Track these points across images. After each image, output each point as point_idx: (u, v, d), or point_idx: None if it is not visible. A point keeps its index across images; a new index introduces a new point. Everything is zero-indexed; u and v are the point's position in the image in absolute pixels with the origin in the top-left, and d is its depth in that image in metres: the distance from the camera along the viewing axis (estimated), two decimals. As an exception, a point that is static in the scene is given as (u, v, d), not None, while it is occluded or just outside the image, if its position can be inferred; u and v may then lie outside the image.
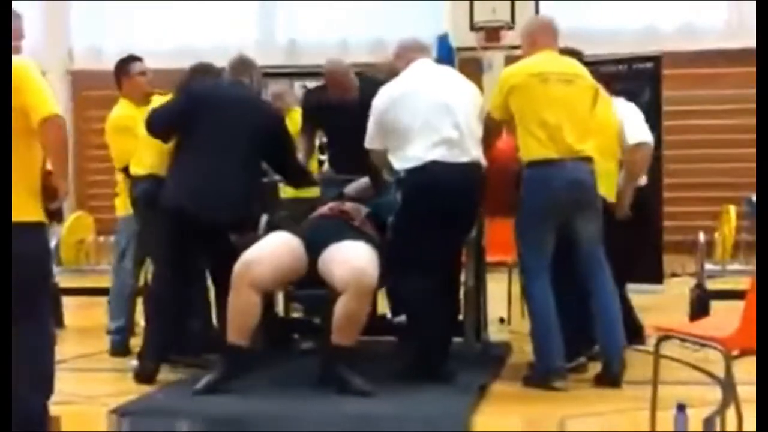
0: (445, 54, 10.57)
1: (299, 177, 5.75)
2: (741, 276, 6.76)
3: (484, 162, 5.11)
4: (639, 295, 6.35)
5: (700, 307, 6.43)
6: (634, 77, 7.85)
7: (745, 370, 3.54)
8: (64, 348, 6.37)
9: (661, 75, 8.97)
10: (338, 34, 12.22)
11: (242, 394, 4.72)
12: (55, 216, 3.91)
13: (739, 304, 3.62)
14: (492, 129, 5.26)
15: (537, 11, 10.95)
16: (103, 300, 6.37)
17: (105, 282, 6.34)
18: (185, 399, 4.71)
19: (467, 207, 5.12)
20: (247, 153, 5.27)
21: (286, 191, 6.32)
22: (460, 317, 5.53)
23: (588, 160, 5.09)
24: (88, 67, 11.99)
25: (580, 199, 5.05)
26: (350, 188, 5.51)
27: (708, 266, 6.96)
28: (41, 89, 3.72)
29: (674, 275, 8.60)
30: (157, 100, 5.84)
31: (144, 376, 5.20)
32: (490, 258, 6.01)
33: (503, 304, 6.89)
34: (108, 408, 4.58)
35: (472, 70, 10.07)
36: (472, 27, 11.27)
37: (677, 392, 4.12)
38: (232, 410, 4.55)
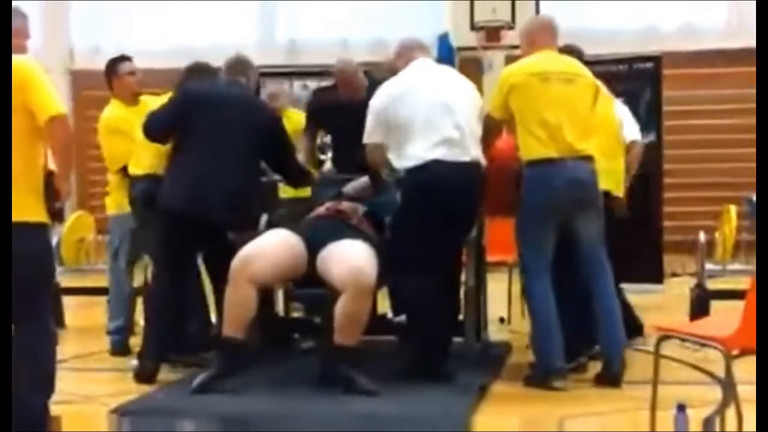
0: (446, 54, 10.57)
1: (298, 176, 5.75)
2: (741, 276, 6.75)
3: (483, 161, 5.11)
4: (639, 295, 6.36)
5: (700, 306, 6.43)
6: (635, 77, 7.86)
7: (746, 369, 3.54)
8: (65, 348, 6.37)
9: (662, 75, 8.97)
10: (338, 34, 12.22)
11: (242, 394, 4.72)
12: (57, 216, 3.92)
13: (739, 304, 3.61)
14: (492, 128, 5.26)
15: (537, 11, 10.94)
16: (103, 299, 6.38)
17: (105, 281, 6.34)
18: (185, 398, 4.71)
19: (468, 206, 5.12)
20: (245, 152, 5.26)
21: (285, 191, 6.32)
22: (460, 317, 5.52)
23: (589, 159, 5.09)
24: (88, 66, 11.98)
25: (581, 199, 5.04)
26: (349, 187, 5.51)
27: (708, 266, 6.95)
28: (47, 89, 3.73)
29: (674, 275, 8.60)
30: (150, 101, 5.84)
31: (144, 375, 5.21)
32: (490, 258, 6.01)
33: (503, 304, 6.89)
34: (108, 408, 4.58)
35: (473, 69, 10.07)
36: (473, 27, 11.27)
37: (677, 392, 4.11)
38: (233, 410, 4.55)
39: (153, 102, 5.75)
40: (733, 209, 9.04)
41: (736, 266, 8.31)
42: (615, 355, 5.04)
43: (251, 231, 5.43)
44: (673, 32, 11.58)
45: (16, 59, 3.73)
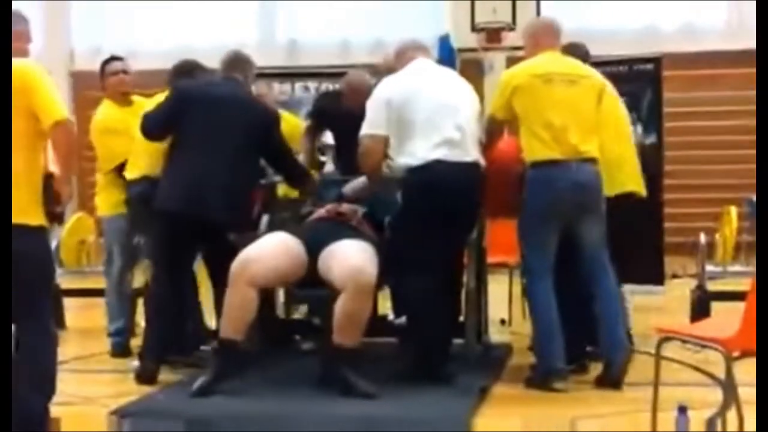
0: (447, 55, 10.56)
1: (299, 177, 5.74)
2: (742, 277, 6.75)
3: (483, 162, 5.10)
4: (640, 296, 6.35)
5: (701, 308, 6.43)
6: (635, 78, 7.83)
7: (746, 371, 3.53)
8: (65, 349, 6.36)
9: (662, 76, 8.96)
10: (339, 35, 12.23)
11: (242, 395, 4.72)
12: (56, 219, 3.92)
13: (740, 306, 3.61)
14: (494, 129, 5.25)
15: (538, 12, 10.94)
16: (104, 301, 6.37)
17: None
18: (186, 400, 4.70)
19: (469, 207, 5.11)
20: (243, 151, 5.25)
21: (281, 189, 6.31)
22: (461, 318, 5.52)
23: (593, 161, 5.08)
24: (88, 68, 11.97)
25: (585, 202, 5.03)
26: (347, 188, 5.49)
27: (709, 267, 6.96)
28: (51, 93, 3.74)
29: (675, 276, 8.59)
30: (144, 102, 5.83)
31: (145, 376, 5.21)
32: (491, 259, 6.01)
33: (504, 306, 6.88)
34: (108, 409, 4.58)
35: (473, 71, 10.07)
36: (473, 28, 11.27)
37: (678, 394, 4.11)
38: (233, 411, 4.55)
39: (147, 102, 5.75)
40: (733, 210, 9.04)
41: (737, 268, 8.32)
42: (616, 358, 5.04)
43: (251, 231, 5.44)
44: (673, 33, 11.58)
45: (20, 63, 3.74)
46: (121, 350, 6.00)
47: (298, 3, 12.48)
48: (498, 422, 4.57)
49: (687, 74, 11.29)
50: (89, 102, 6.47)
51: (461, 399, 4.70)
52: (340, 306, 4.67)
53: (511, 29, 10.99)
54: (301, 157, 6.28)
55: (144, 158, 5.63)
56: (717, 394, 3.69)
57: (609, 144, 5.38)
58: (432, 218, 4.91)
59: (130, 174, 5.77)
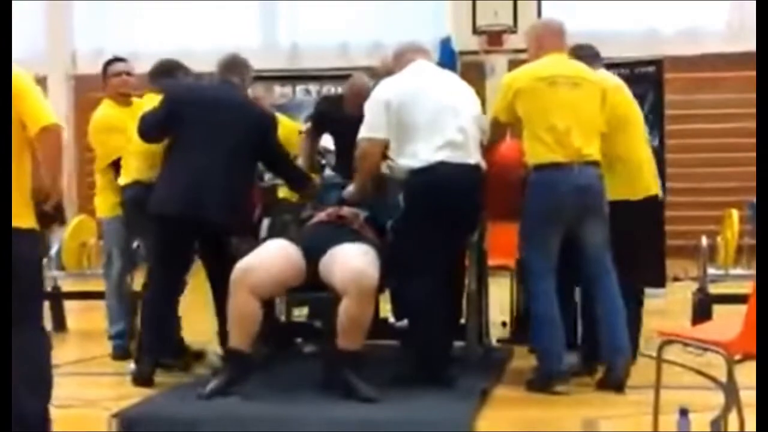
0: (448, 58, 10.58)
1: (299, 181, 5.73)
2: (744, 280, 6.74)
3: (484, 165, 5.10)
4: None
5: (702, 311, 6.42)
6: (636, 81, 7.86)
7: (748, 374, 3.53)
8: (66, 352, 6.39)
9: (663, 79, 8.96)
10: (340, 38, 12.23)
11: (244, 398, 4.72)
12: (46, 220, 3.92)
13: (741, 309, 3.61)
14: (497, 132, 5.25)
15: (539, 14, 10.95)
16: (104, 304, 6.36)
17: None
18: (187, 403, 4.70)
19: (472, 208, 5.11)
20: (238, 153, 5.24)
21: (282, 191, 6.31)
22: (462, 321, 5.51)
23: (595, 164, 5.07)
24: (90, 70, 11.98)
25: (587, 204, 5.02)
26: (347, 192, 5.46)
27: (710, 270, 6.95)
28: (39, 99, 3.74)
29: (677, 279, 8.58)
30: (141, 103, 5.83)
31: (141, 379, 5.20)
32: (492, 262, 6.00)
33: (505, 308, 6.87)
34: (110, 412, 4.57)
35: (475, 74, 10.08)
36: (475, 31, 11.28)
37: (680, 397, 4.11)
38: (234, 413, 4.54)
39: (147, 102, 5.74)
40: (735, 213, 9.03)
41: (739, 270, 8.29)
42: (618, 361, 5.02)
43: (251, 234, 5.43)
44: (674, 36, 11.58)
45: None
46: (122, 353, 6.01)
47: (299, 6, 12.49)
48: (499, 425, 4.56)
49: (688, 77, 11.30)
50: (91, 104, 6.47)
51: (462, 401, 4.69)
52: (342, 310, 4.66)
53: (513, 32, 11.01)
54: (301, 161, 6.28)
55: (135, 163, 5.64)
56: (719, 397, 3.69)
57: (635, 146, 5.38)
58: (435, 220, 4.90)
59: (122, 179, 5.78)
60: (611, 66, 7.46)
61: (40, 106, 3.73)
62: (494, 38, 11.21)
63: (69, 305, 7.54)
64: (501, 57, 10.88)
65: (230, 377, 4.79)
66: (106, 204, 6.06)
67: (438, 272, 4.95)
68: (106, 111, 6.09)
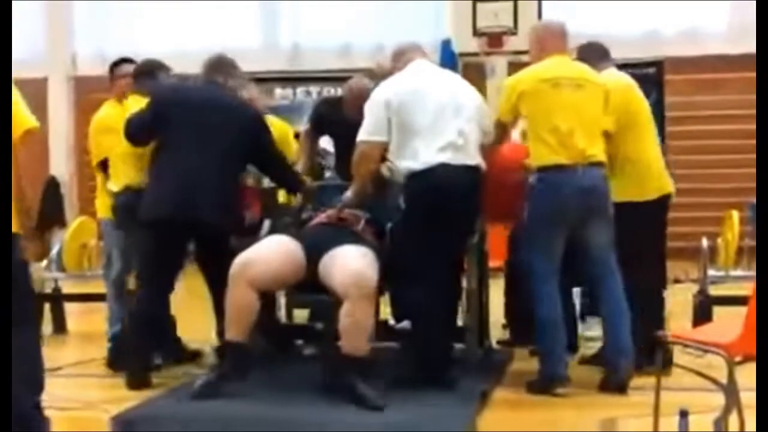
0: (448, 59, 10.58)
1: (291, 182, 5.70)
2: (744, 282, 6.74)
3: (483, 166, 5.09)
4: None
5: (703, 312, 6.42)
6: (637, 82, 7.84)
7: (749, 375, 3.52)
8: (66, 354, 6.39)
9: (664, 80, 8.97)
10: (341, 39, 12.23)
11: (244, 400, 4.71)
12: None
13: (742, 310, 3.61)
14: (500, 134, 5.24)
15: (540, 16, 10.96)
16: (105, 305, 6.36)
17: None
18: (186, 405, 4.70)
19: (472, 209, 5.10)
20: (226, 153, 5.23)
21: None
22: (462, 323, 5.51)
23: (600, 165, 5.06)
24: (91, 71, 12.01)
25: (591, 206, 5.02)
26: (346, 196, 5.44)
27: (711, 272, 6.94)
28: (20, 103, 3.73)
29: (677, 281, 8.55)
30: (136, 101, 5.82)
31: (134, 383, 5.19)
32: (491, 263, 6.00)
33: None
34: (109, 414, 4.57)
35: (475, 75, 10.08)
36: (475, 32, 11.28)
37: (681, 398, 4.10)
38: (234, 415, 4.54)
39: (132, 104, 5.72)
40: (735, 215, 9.02)
41: (739, 272, 8.29)
42: (622, 363, 5.00)
43: (250, 235, 5.43)
44: (675, 37, 11.57)
45: None
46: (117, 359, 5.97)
47: (300, 7, 12.49)
48: (499, 426, 4.56)
49: (689, 78, 11.29)
50: (92, 105, 6.47)
51: (462, 403, 4.69)
52: (344, 314, 4.65)
53: (513, 33, 11.01)
54: (300, 163, 6.28)
55: (123, 167, 5.63)
56: (719, 399, 3.68)
57: (644, 146, 5.38)
58: (435, 222, 4.89)
59: (113, 185, 5.78)
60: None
61: (22, 109, 3.72)
62: (494, 40, 11.22)
63: (69, 307, 7.54)
64: (501, 58, 10.89)
65: (227, 369, 4.78)
66: (105, 205, 6.05)
67: (438, 274, 4.94)
68: (106, 111, 6.08)
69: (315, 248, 4.93)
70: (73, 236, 7.44)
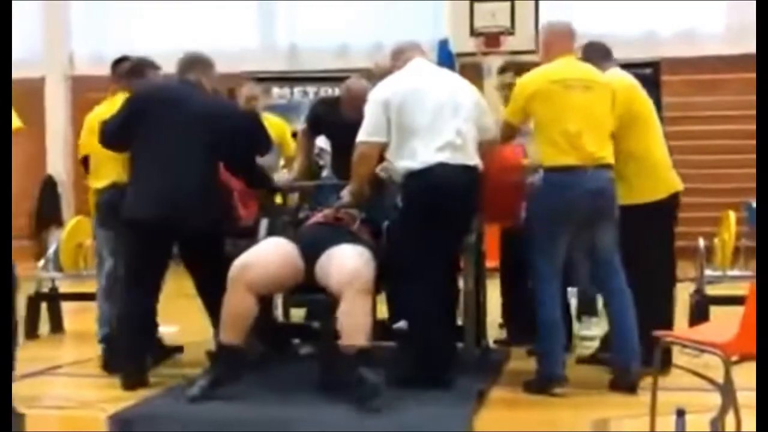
0: (446, 59, 10.59)
1: (257, 179, 5.64)
2: (741, 281, 6.74)
3: (481, 165, 5.09)
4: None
5: (699, 312, 6.42)
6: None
7: (745, 375, 3.53)
8: (63, 353, 6.39)
9: (661, 81, 8.97)
10: (338, 39, 12.23)
11: (241, 400, 4.71)
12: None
13: (738, 310, 3.61)
14: (508, 135, 5.23)
15: (537, 17, 10.96)
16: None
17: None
18: (183, 404, 4.68)
19: (470, 209, 5.10)
20: (202, 151, 5.20)
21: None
22: (459, 322, 5.51)
23: (608, 167, 5.06)
24: (88, 71, 12.01)
25: (599, 207, 5.01)
26: (344, 194, 5.44)
27: (707, 272, 6.94)
28: None
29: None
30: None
31: (129, 384, 5.18)
32: (488, 263, 6.00)
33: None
34: (106, 414, 4.57)
35: (472, 75, 10.07)
36: (472, 32, 11.28)
37: (678, 398, 4.10)
38: (230, 415, 4.54)
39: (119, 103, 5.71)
40: (732, 215, 9.04)
41: (736, 272, 8.30)
42: (634, 365, 4.96)
43: (248, 236, 5.42)
44: (672, 37, 11.58)
45: None
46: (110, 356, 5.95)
47: (298, 7, 12.49)
48: (496, 426, 4.56)
49: (686, 79, 11.30)
50: (89, 105, 6.46)
51: (459, 402, 4.69)
52: (341, 313, 4.64)
53: (510, 33, 11.02)
54: (297, 162, 6.27)
55: (109, 165, 5.62)
56: (716, 398, 3.68)
57: (649, 145, 5.37)
58: (433, 221, 4.88)
59: (97, 182, 5.76)
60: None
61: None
62: (492, 40, 11.22)
63: (66, 306, 7.53)
64: (498, 58, 10.85)
65: (219, 374, 4.76)
66: None
67: (435, 273, 4.94)
68: (101, 111, 6.06)
69: (312, 248, 4.93)
70: (69, 236, 7.43)
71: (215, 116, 5.31)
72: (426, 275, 4.89)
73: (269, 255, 4.93)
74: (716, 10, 11.72)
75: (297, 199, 6.21)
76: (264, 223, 5.70)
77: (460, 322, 5.52)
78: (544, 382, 5.01)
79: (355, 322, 4.64)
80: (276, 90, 11.88)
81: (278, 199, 6.19)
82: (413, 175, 4.93)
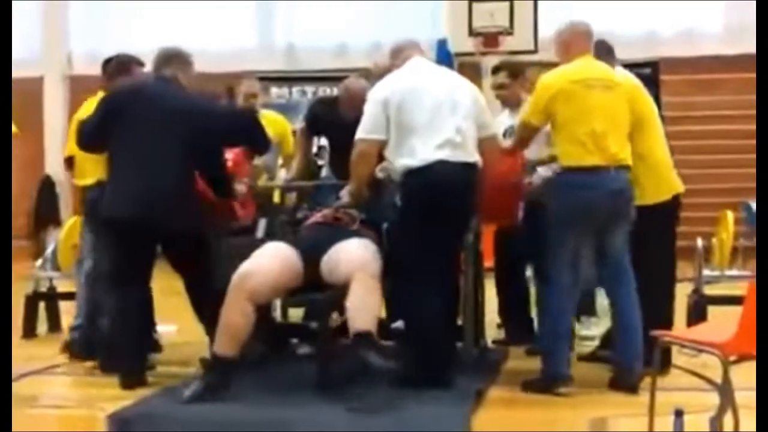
0: (445, 59, 10.59)
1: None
2: (739, 281, 6.74)
3: (480, 163, 5.08)
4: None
5: (698, 312, 6.42)
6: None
7: (743, 375, 3.53)
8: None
9: (660, 80, 8.97)
10: (337, 39, 12.24)
11: (238, 400, 4.71)
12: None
13: (736, 310, 3.61)
14: (526, 135, 5.22)
15: (535, 17, 10.97)
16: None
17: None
18: (183, 404, 4.68)
19: (469, 206, 5.10)
20: (178, 148, 5.15)
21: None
22: (459, 322, 5.51)
23: (627, 168, 5.05)
24: (86, 71, 12.00)
25: (619, 209, 5.00)
26: (343, 194, 5.44)
27: (706, 272, 6.94)
28: None
29: (672, 281, 8.57)
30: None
31: (127, 384, 5.17)
32: (487, 263, 6.00)
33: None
34: (105, 413, 4.57)
35: (471, 75, 10.07)
36: (471, 32, 11.28)
37: (677, 398, 4.11)
38: (229, 415, 4.54)
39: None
40: (730, 215, 9.05)
41: (734, 272, 8.31)
42: (637, 366, 4.94)
43: (246, 235, 5.40)
44: (671, 37, 11.59)
45: None
46: (77, 350, 5.88)
47: (296, 6, 12.50)
48: (494, 425, 4.56)
49: (685, 78, 11.31)
50: (87, 105, 6.47)
51: (458, 402, 4.69)
52: (351, 296, 4.61)
53: (509, 33, 11.02)
54: (296, 161, 6.27)
55: (94, 162, 5.60)
56: (714, 398, 3.69)
57: (653, 146, 5.36)
58: (432, 219, 4.88)
59: (83, 180, 5.74)
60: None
61: None
62: (490, 40, 11.22)
63: (64, 306, 7.52)
64: (497, 58, 10.86)
65: (213, 382, 4.71)
66: None
67: (435, 271, 4.93)
68: (82, 110, 5.99)
69: (314, 248, 4.92)
70: (67, 235, 7.42)
71: (191, 112, 5.25)
72: (426, 273, 4.89)
73: (269, 262, 4.90)
74: (715, 10, 11.73)
75: (295, 198, 6.21)
76: (262, 223, 5.70)
77: (459, 321, 5.52)
78: (548, 381, 4.99)
79: (365, 303, 4.62)
80: (274, 90, 11.89)
81: (276, 199, 6.19)
82: (412, 173, 4.93)
